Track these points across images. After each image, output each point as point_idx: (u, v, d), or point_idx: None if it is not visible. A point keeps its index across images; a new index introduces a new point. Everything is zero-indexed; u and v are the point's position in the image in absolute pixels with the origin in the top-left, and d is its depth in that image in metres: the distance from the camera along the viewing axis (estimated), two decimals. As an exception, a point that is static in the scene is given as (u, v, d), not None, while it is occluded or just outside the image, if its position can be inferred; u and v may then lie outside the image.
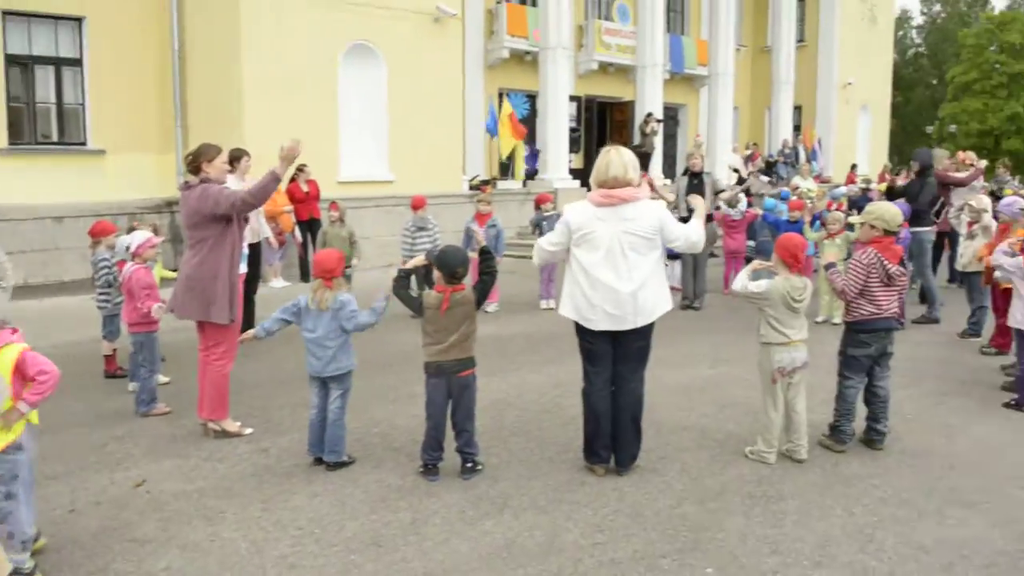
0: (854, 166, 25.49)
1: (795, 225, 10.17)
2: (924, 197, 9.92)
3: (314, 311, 5.01)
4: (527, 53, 20.91)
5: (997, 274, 6.78)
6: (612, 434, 4.89)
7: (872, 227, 5.19)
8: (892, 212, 5.19)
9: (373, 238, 14.75)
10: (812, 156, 24.59)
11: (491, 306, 10.57)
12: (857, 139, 28.84)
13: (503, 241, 10.59)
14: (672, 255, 12.22)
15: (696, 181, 10.53)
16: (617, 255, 4.58)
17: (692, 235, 4.80)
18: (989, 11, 59.02)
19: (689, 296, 10.74)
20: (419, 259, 5.11)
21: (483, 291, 4.83)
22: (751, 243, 11.98)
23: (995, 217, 7.97)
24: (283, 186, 12.66)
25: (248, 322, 8.53)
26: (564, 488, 4.76)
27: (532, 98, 19.30)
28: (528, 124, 19.70)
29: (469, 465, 4.93)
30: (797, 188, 14.72)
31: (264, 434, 5.78)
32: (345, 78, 14.65)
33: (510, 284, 12.31)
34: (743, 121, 28.45)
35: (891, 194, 10.46)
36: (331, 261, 5.01)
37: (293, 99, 13.90)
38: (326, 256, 5.04)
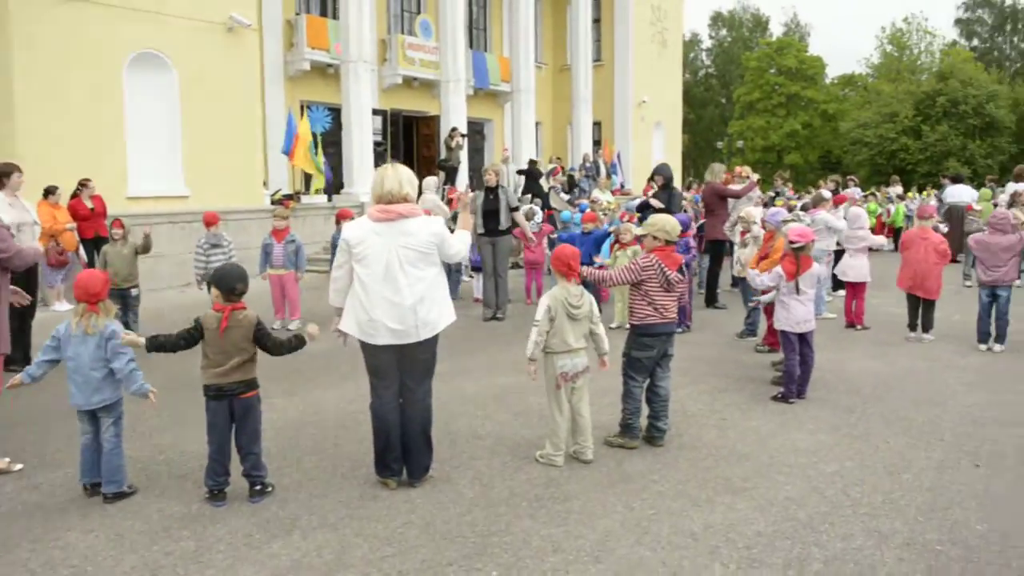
0: (650, 179, 26.85)
1: (589, 236, 10.60)
2: (672, 207, 10.83)
3: (78, 337, 4.71)
4: (329, 66, 20.66)
5: (762, 298, 7.38)
6: (403, 447, 4.91)
7: (655, 238, 5.52)
8: (671, 223, 5.54)
9: (168, 256, 14.07)
10: (612, 170, 25.74)
11: (292, 323, 10.33)
12: (653, 153, 30.45)
13: (303, 257, 10.40)
14: (475, 267, 12.47)
15: (492, 196, 10.77)
16: (396, 269, 4.62)
17: (463, 249, 4.93)
18: (768, 37, 64.30)
19: (492, 307, 10.94)
20: None
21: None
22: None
23: (763, 226, 8.65)
24: (64, 201, 11.82)
25: (25, 352, 7.92)
26: (356, 504, 4.73)
27: (336, 111, 19.07)
28: (333, 137, 19.45)
29: (257, 488, 4.80)
30: (596, 201, 15.34)
31: (36, 470, 5.37)
32: (132, 89, 13.90)
33: (313, 300, 12.08)
34: (546, 136, 29.39)
35: (643, 206, 11.25)
36: (95, 284, 4.72)
37: (72, 111, 13.04)
38: (89, 278, 4.74)
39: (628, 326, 5.66)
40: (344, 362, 8.36)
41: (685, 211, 13.00)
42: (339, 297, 4.87)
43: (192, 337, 4.58)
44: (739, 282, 9.63)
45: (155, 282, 13.69)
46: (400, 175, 4.72)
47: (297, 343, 4.81)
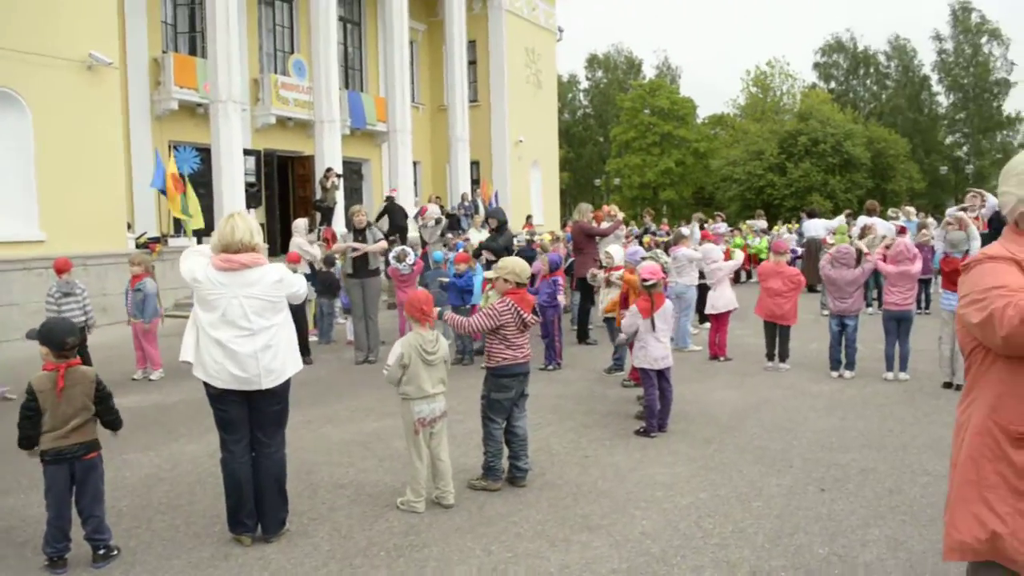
0: (529, 217, 27.33)
1: (461, 279, 10.67)
2: (501, 245, 11.39)
3: None
4: (199, 105, 20.20)
5: (622, 338, 7.60)
6: (256, 501, 4.80)
7: (506, 280, 5.62)
8: (521, 266, 5.65)
9: (22, 305, 13.37)
10: (489, 208, 25.96)
11: (154, 373, 9.97)
12: (531, 192, 30.99)
13: (152, 304, 10.06)
14: (345, 309, 12.36)
15: (360, 238, 10.76)
16: (239, 318, 4.60)
17: (302, 286, 5.01)
18: (641, 79, 66.57)
19: (364, 350, 10.84)
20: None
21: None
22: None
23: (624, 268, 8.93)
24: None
25: None
26: (207, 564, 4.58)
27: (206, 151, 18.62)
28: (203, 177, 18.96)
29: (101, 552, 4.59)
30: (469, 240, 15.47)
31: None
32: (-21, 129, 13.24)
33: (177, 349, 11.69)
34: (426, 175, 29.48)
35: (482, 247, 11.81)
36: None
37: (-88, 152, 12.32)
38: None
39: (483, 367, 5.72)
40: (208, 412, 8.10)
41: (544, 251, 13.30)
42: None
43: (32, 412, 4.37)
44: (606, 319, 9.87)
45: (7, 334, 12.97)
46: (251, 225, 4.73)
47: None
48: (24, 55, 13.71)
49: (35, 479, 6.04)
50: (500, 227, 11.63)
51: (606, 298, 9.69)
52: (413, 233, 21.18)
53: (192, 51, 21.10)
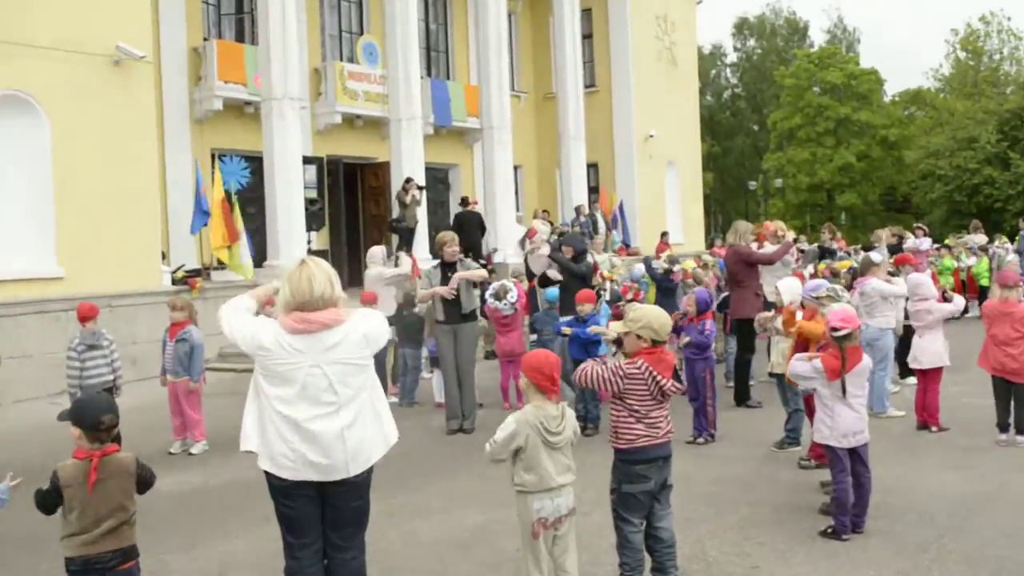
0: (664, 234, 27.20)
1: (585, 325, 10.55)
2: (585, 281, 11.53)
3: None
4: (247, 103, 20.95)
5: (801, 386, 7.41)
6: (331, 621, 4.87)
7: (639, 337, 5.55)
8: (661, 320, 5.58)
9: (36, 357, 14.01)
10: (613, 224, 25.98)
11: (196, 446, 10.27)
12: (666, 200, 30.85)
13: (199, 359, 10.37)
14: (432, 359, 12.49)
15: (450, 273, 10.85)
16: (323, 391, 4.68)
17: (385, 329, 5.16)
18: (807, 47, 65.55)
19: (457, 416, 10.94)
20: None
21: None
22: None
23: (801, 304, 8.72)
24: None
25: None
26: None
27: (257, 160, 19.26)
28: (252, 193, 19.59)
29: None
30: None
31: None
32: (-12, 141, 14.03)
33: (226, 411, 12.00)
34: (529, 183, 29.76)
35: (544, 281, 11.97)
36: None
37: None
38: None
39: (612, 449, 5.64)
40: (264, 497, 8.26)
41: (697, 282, 13.13)
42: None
43: (49, 504, 4.53)
44: (776, 376, 9.66)
45: (19, 391, 13.56)
46: (329, 273, 4.84)
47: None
48: (35, 49, 14.42)
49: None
50: (578, 256, 11.61)
51: (777, 348, 9.47)
52: (511, 258, 21.37)
53: (239, 38, 21.94)
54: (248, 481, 8.92)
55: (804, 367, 7.06)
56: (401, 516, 7.69)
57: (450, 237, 11.11)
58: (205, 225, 17.33)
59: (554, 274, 11.86)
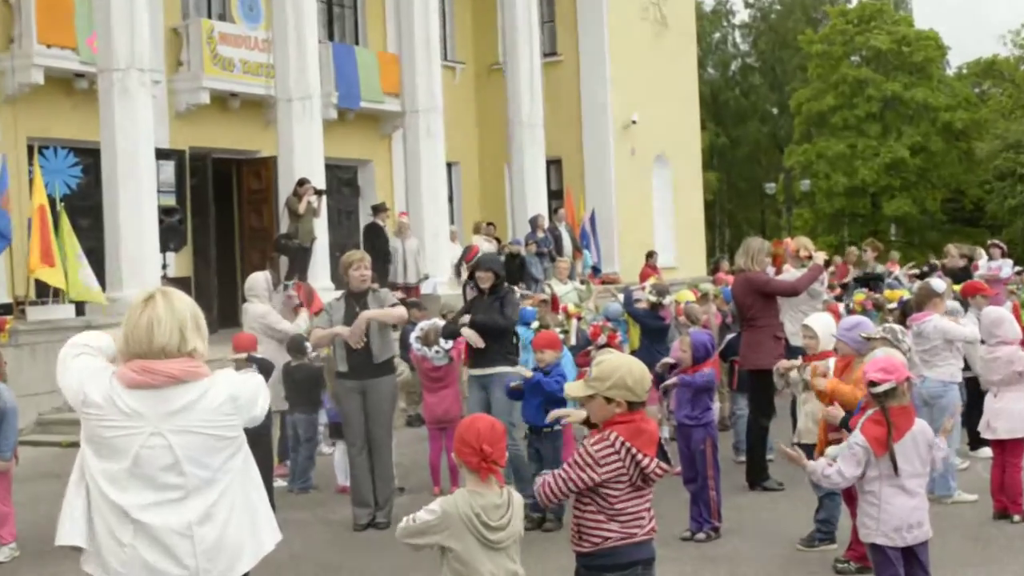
0: (651, 255, 27.29)
1: (547, 377, 10.55)
2: (503, 319, 11.12)
3: None
4: (79, 76, 20.76)
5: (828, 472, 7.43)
6: None
7: (608, 400, 5.52)
8: (636, 372, 5.51)
9: None
10: (583, 241, 26.00)
11: (2, 551, 10.10)
12: (654, 209, 31.00)
13: (10, 430, 10.15)
14: (334, 427, 12.42)
15: (359, 307, 10.80)
16: (159, 468, 4.61)
17: (265, 402, 5.06)
18: (843, 3, 65.90)
19: (368, 504, 10.91)
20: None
21: None
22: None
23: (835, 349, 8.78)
24: None
25: None
26: None
27: (92, 153, 19.09)
28: (84, 200, 19.38)
29: None
30: (547, 299, 15.42)
31: None
32: None
33: (46, 501, 11.83)
34: (468, 185, 29.80)
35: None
36: None
37: None
38: None
39: (576, 551, 5.60)
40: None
41: (692, 321, 13.16)
42: None
43: None
44: (805, 447, 9.69)
45: None
46: (182, 316, 4.72)
47: None
48: None
49: None
50: (496, 284, 11.41)
51: (804, 410, 9.50)
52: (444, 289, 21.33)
53: (67, -13, 21.71)
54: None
55: (830, 470, 7.06)
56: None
57: (358, 257, 11.05)
58: (9, 244, 17.08)
59: (465, 319, 11.59)
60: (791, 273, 12.74)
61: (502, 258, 18.29)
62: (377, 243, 21.83)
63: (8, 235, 16.96)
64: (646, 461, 5.42)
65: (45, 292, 18.22)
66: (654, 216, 31.12)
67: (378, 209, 22.81)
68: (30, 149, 19.92)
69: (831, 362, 8.82)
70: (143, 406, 4.62)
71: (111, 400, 4.62)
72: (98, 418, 4.63)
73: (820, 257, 12.64)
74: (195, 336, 4.74)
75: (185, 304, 4.80)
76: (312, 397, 12.81)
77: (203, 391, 4.70)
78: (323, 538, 10.60)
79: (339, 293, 11.27)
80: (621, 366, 5.59)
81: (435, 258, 23.36)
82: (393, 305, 11.04)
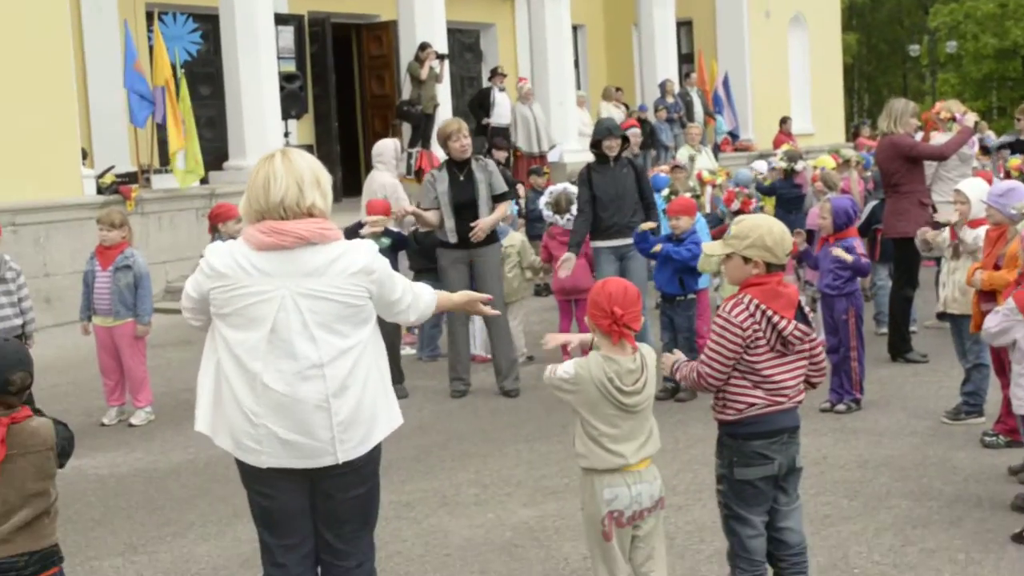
0: (785, 120, 26.94)
1: (679, 246, 10.55)
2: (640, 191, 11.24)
3: None
4: (197, -60, 20.84)
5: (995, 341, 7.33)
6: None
7: (746, 260, 5.50)
8: (776, 233, 5.45)
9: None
10: (715, 107, 25.73)
11: (138, 414, 10.45)
12: (790, 74, 30.50)
13: (147, 293, 10.47)
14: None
15: (463, 176, 10.89)
16: (294, 335, 4.66)
17: (425, 307, 5.12)
18: None
19: (463, 375, 11.18)
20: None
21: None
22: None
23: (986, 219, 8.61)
24: None
25: None
26: None
27: (210, 20, 19.22)
28: (204, 67, 19.57)
29: None
30: (683, 169, 15.34)
31: None
32: None
33: (178, 367, 12.13)
34: (594, 51, 29.50)
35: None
36: None
37: None
38: None
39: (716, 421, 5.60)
40: (233, 486, 8.37)
41: (830, 188, 12.99)
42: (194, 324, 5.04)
43: None
44: (951, 317, 9.58)
45: None
46: (299, 171, 4.75)
47: None
48: None
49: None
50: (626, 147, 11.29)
51: (952, 279, 9.36)
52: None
53: None
54: (208, 461, 9.06)
55: (997, 321, 6.98)
56: (422, 509, 7.76)
57: (455, 127, 11.03)
58: (152, 114, 17.33)
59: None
60: (938, 137, 12.48)
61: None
62: (483, 108, 21.93)
63: (151, 98, 17.18)
64: (783, 323, 5.37)
65: (169, 162, 18.52)
66: (790, 80, 30.62)
67: (494, 73, 22.72)
68: (148, 16, 20.07)
69: (981, 231, 8.68)
70: (273, 268, 4.67)
71: (239, 265, 4.68)
72: (230, 288, 4.69)
73: (970, 119, 12.36)
74: (313, 191, 4.74)
75: (305, 161, 4.82)
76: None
77: (335, 255, 4.73)
78: (451, 406, 10.79)
79: (442, 162, 11.30)
80: (761, 225, 5.55)
81: (561, 125, 23.29)
82: (500, 195, 11.05)
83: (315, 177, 4.78)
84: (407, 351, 12.68)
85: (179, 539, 7.48)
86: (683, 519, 7.16)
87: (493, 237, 11.13)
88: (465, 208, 10.84)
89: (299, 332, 4.65)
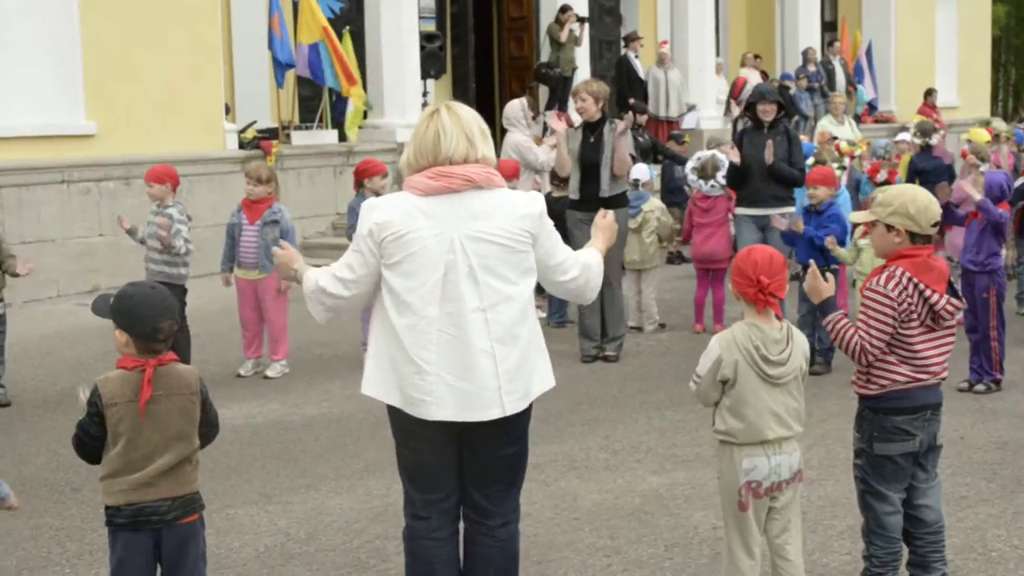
0: (929, 92, 26.46)
1: (820, 218, 10.44)
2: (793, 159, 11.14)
3: None
4: None
5: None
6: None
7: (889, 228, 5.42)
8: (920, 202, 5.35)
9: (59, 242, 14.48)
10: (857, 77, 25.33)
11: (274, 366, 10.60)
12: (937, 45, 29.91)
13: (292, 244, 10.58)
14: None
15: (592, 138, 10.88)
16: (462, 278, 4.69)
17: (591, 271, 5.16)
18: None
19: (593, 335, 11.14)
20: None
21: None
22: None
23: None
24: None
25: None
26: None
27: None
28: (347, 24, 19.71)
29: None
30: (828, 139, 15.16)
31: None
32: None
33: (311, 323, 12.22)
34: (735, 18, 29.17)
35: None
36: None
37: None
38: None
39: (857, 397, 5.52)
40: (365, 441, 8.49)
41: (982, 159, 12.75)
42: (321, 313, 5.11)
43: (91, 438, 4.62)
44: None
45: (34, 288, 13.95)
46: (467, 124, 4.80)
47: None
48: None
49: (94, 547, 6.57)
50: (780, 116, 11.13)
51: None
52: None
53: None
54: (341, 416, 9.19)
55: None
56: (551, 471, 7.80)
57: (578, 89, 11.08)
58: (292, 66, 17.55)
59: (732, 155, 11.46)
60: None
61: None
62: (625, 74, 21.82)
63: (289, 61, 17.46)
64: (935, 297, 5.29)
65: (309, 117, 18.70)
66: (936, 51, 30.00)
67: (629, 39, 22.57)
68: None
69: None
70: (441, 211, 4.71)
71: (406, 213, 4.71)
72: (400, 234, 4.70)
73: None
74: (483, 143, 4.81)
75: (470, 114, 4.87)
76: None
77: (501, 199, 4.79)
78: (581, 370, 10.78)
79: (578, 122, 11.31)
80: (905, 192, 5.49)
81: (700, 90, 23.11)
82: (623, 133, 11.00)
83: (481, 129, 4.85)
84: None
85: (312, 491, 7.59)
86: (816, 493, 7.10)
87: (622, 200, 11.09)
88: (590, 168, 10.88)
89: (466, 275, 4.70)
